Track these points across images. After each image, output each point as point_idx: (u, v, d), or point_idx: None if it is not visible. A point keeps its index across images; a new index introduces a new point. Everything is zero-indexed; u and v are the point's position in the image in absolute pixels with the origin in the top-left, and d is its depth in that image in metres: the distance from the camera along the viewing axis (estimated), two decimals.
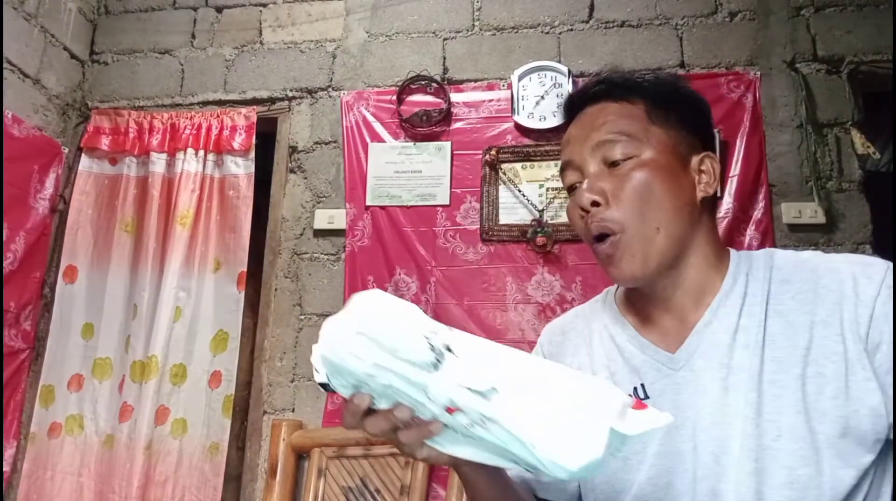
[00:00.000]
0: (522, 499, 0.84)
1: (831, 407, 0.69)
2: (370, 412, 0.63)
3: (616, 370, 0.82)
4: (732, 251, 0.83)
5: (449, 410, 0.58)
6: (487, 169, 2.24)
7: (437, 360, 0.57)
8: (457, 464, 0.69)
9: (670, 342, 0.80)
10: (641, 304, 0.84)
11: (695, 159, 0.81)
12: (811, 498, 0.68)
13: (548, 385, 0.57)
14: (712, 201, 0.83)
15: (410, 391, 0.58)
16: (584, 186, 0.79)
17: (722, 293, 0.79)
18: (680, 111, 0.82)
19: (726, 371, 0.74)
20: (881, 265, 0.73)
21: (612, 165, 0.78)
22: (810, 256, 0.80)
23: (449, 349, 0.58)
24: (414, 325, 0.58)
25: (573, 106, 0.86)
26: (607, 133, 0.79)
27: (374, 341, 0.57)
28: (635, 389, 0.80)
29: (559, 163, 0.87)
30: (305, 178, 2.39)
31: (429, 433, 0.61)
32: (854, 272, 0.73)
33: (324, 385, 0.62)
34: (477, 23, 2.43)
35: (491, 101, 2.32)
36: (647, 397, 0.79)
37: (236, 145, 2.38)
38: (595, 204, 0.77)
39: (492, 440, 0.58)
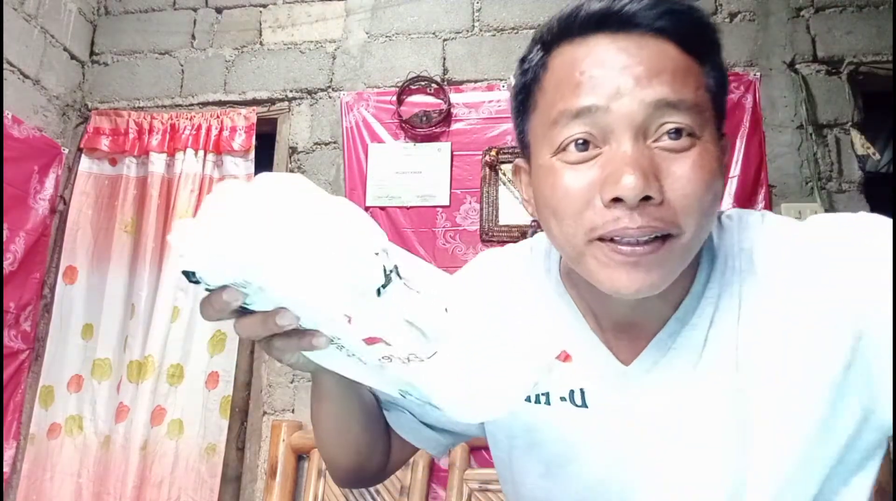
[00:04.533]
0: (371, 420, 0.74)
1: (813, 420, 0.57)
2: (242, 311, 0.51)
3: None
4: None
5: (369, 340, 0.48)
6: (487, 170, 2.24)
7: (383, 286, 0.47)
8: (319, 373, 0.61)
9: (624, 350, 0.64)
10: (593, 293, 0.64)
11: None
12: None
13: (478, 341, 0.50)
14: None
15: (322, 307, 0.47)
16: (632, 171, 0.52)
17: (691, 298, 0.62)
18: (725, 83, 0.59)
19: (692, 394, 0.60)
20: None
21: (667, 138, 0.54)
22: (788, 238, 0.60)
23: (398, 274, 0.47)
24: (360, 235, 0.46)
25: (606, 18, 0.56)
26: (675, 94, 0.53)
27: (303, 248, 0.44)
28: (571, 392, 0.66)
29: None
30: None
31: (310, 345, 0.50)
32: (832, 273, 0.56)
33: (186, 274, 0.48)
34: (477, 23, 2.43)
35: (491, 101, 2.32)
36: (584, 405, 0.66)
37: (236, 146, 2.38)
38: (646, 198, 0.53)
39: (390, 373, 0.51)
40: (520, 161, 0.68)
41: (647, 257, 0.54)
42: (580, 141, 0.55)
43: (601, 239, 0.55)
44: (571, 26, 0.57)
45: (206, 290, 0.50)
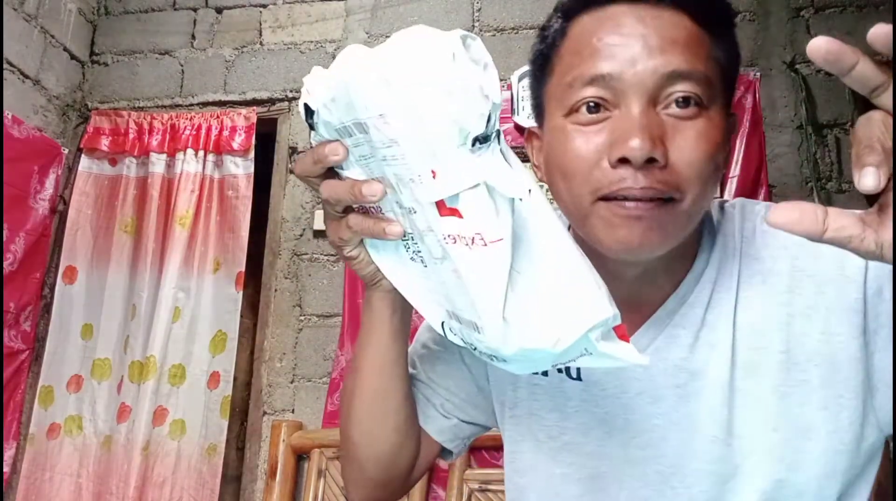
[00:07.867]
0: (409, 396, 0.71)
1: (820, 420, 0.57)
2: (331, 173, 0.53)
3: None
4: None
5: (444, 209, 0.47)
6: None
7: (484, 139, 0.45)
8: (375, 287, 0.60)
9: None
10: (600, 273, 0.61)
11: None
12: None
13: (550, 258, 0.47)
14: None
15: (412, 163, 0.46)
16: (640, 134, 0.52)
17: (691, 277, 0.62)
18: (736, 58, 0.61)
19: (686, 376, 0.61)
20: None
21: (675, 106, 0.55)
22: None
23: (499, 139, 0.46)
24: (481, 87, 0.45)
25: None
26: (687, 65, 0.54)
27: (420, 80, 0.46)
28: (567, 369, 0.66)
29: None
30: None
31: (382, 231, 0.51)
32: (836, 252, 0.51)
33: (308, 112, 0.51)
34: (477, 24, 2.43)
35: None
36: (579, 379, 0.65)
37: (236, 146, 2.38)
38: (651, 160, 0.53)
39: (446, 279, 0.49)
40: (533, 127, 0.68)
41: (649, 212, 0.54)
42: (592, 104, 0.56)
43: (605, 198, 0.55)
44: None
45: (312, 144, 0.53)
